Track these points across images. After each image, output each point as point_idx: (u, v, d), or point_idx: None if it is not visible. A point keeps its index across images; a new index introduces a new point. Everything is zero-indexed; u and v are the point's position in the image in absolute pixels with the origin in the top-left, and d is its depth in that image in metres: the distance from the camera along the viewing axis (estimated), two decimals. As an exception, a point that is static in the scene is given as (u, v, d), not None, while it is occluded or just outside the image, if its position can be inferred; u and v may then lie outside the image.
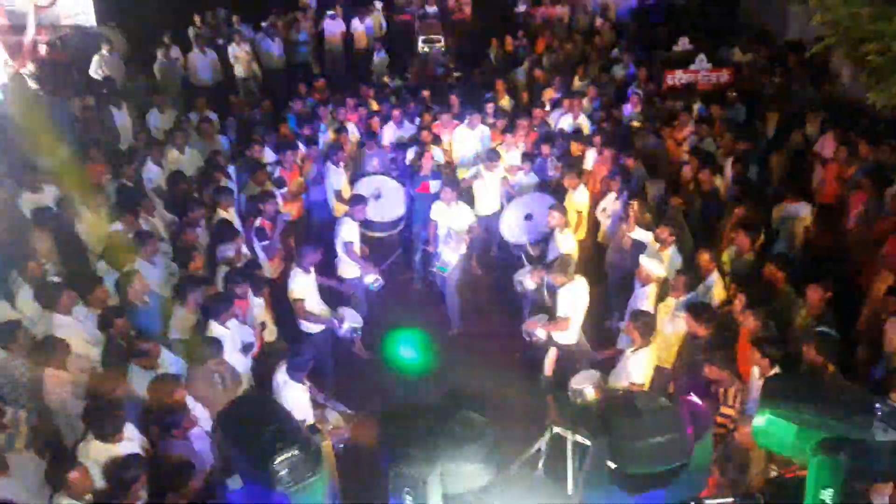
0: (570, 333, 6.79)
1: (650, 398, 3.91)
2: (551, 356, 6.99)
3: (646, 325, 5.89)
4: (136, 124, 10.31)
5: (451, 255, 7.80)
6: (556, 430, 4.25)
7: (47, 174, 8.11)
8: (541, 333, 6.86)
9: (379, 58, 14.40)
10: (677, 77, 11.99)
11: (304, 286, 6.85)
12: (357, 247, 7.76)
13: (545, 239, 7.97)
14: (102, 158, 8.56)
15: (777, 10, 13.73)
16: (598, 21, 15.61)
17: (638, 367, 5.84)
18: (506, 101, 11.49)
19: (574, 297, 6.70)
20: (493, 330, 8.27)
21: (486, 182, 8.93)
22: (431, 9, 16.34)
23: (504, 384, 7.23)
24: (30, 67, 11.25)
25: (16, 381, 5.44)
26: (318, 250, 7.03)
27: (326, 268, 7.72)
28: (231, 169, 8.89)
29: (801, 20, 11.60)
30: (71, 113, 10.47)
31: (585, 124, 10.31)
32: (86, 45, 13.16)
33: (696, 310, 5.97)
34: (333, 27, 15.19)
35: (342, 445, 5.62)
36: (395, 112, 10.44)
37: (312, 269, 6.97)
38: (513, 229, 8.63)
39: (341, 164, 9.11)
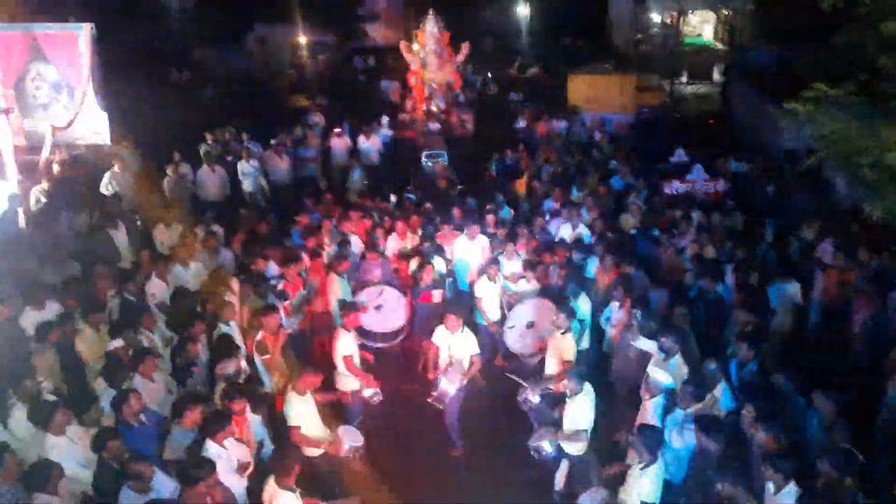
0: (580, 444, 6.63)
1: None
2: (563, 469, 6.75)
3: (653, 441, 5.70)
4: (137, 242, 10.43)
5: (449, 386, 7.53)
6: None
7: (51, 290, 8.16)
8: (548, 447, 6.70)
9: (357, 176, 14.50)
10: (675, 187, 12.25)
11: (300, 411, 6.64)
12: (356, 359, 7.69)
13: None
14: (107, 275, 8.64)
15: (770, 121, 14.18)
16: (597, 135, 16.11)
17: (647, 485, 5.61)
18: (506, 213, 11.68)
19: (584, 408, 6.59)
20: (499, 444, 8.00)
21: (487, 291, 8.94)
22: (434, 125, 16.95)
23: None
24: (43, 185, 11.58)
25: (2, 508, 5.27)
26: (317, 375, 6.86)
27: (327, 380, 7.62)
28: (234, 282, 8.94)
29: (794, 132, 11.96)
30: (77, 229, 10.68)
31: (585, 233, 10.43)
32: (99, 164, 13.59)
33: (705, 423, 5.81)
34: (340, 143, 15.72)
35: None
36: (399, 224, 10.61)
37: (309, 393, 6.79)
38: (515, 338, 8.58)
39: (344, 275, 9.18)
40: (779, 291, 8.36)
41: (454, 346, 7.75)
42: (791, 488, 5.17)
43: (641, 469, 5.68)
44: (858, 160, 7.44)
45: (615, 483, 6.01)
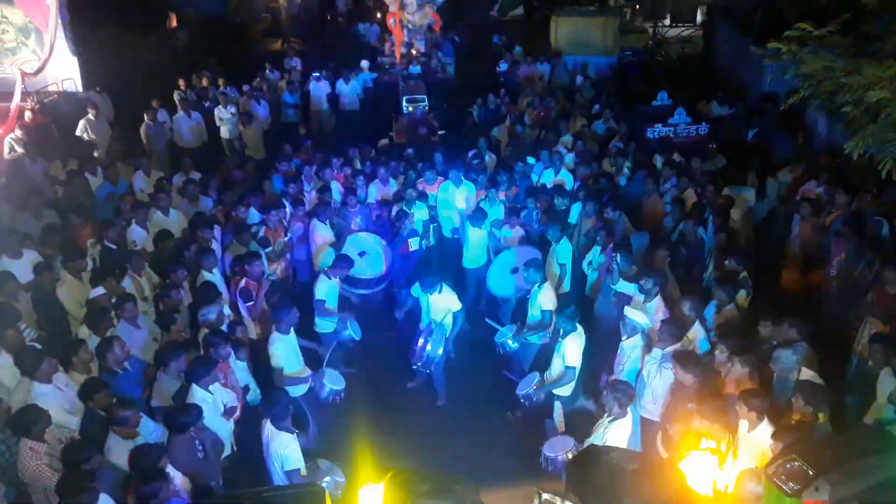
0: (570, 385, 6.79)
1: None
2: (559, 411, 6.89)
3: (624, 395, 5.75)
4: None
5: (435, 349, 7.51)
6: (545, 496, 4.14)
7: (27, 239, 8.06)
8: (537, 394, 6.83)
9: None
10: (657, 131, 12.21)
11: (283, 350, 6.72)
12: (330, 303, 7.76)
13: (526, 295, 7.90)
14: (85, 223, 8.54)
15: (752, 64, 14.09)
16: (578, 78, 15.95)
17: (616, 437, 5.70)
18: (488, 159, 11.61)
19: (578, 346, 6.74)
20: (485, 387, 8.10)
21: (472, 236, 8.95)
22: (415, 69, 16.67)
23: (494, 446, 7.14)
24: (16, 133, 11.32)
25: (-10, 453, 5.31)
26: (294, 310, 6.92)
27: (308, 327, 7.71)
28: (216, 229, 8.87)
29: (776, 73, 11.91)
30: (53, 177, 10.50)
31: (568, 178, 10.41)
32: (72, 110, 13.29)
33: (684, 358, 5.93)
34: (319, 89, 15.46)
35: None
36: (380, 170, 10.51)
37: (292, 331, 6.87)
38: (498, 283, 8.65)
39: (325, 223, 9.13)
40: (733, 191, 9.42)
41: (434, 304, 7.72)
42: (764, 426, 5.30)
43: (610, 422, 5.77)
44: (841, 99, 7.44)
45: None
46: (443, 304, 7.69)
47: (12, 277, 7.22)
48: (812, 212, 8.50)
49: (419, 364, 7.60)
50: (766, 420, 5.31)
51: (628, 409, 5.79)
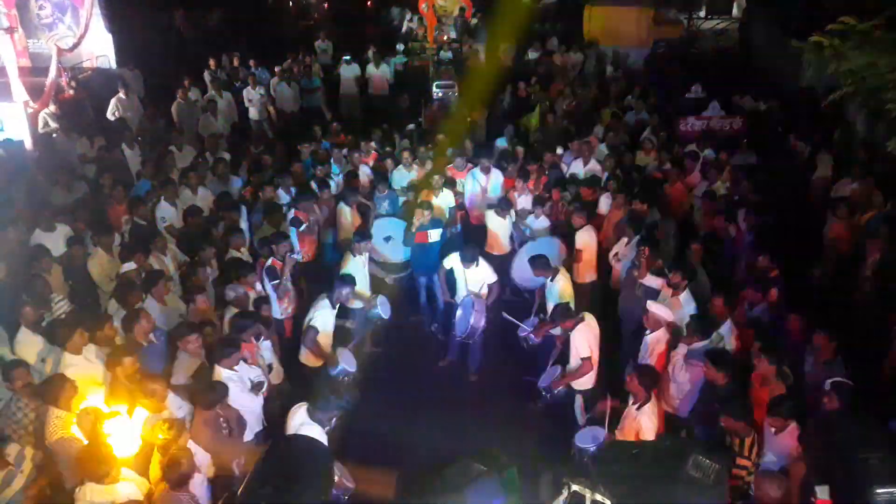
0: (589, 377, 6.71)
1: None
2: (580, 404, 6.83)
3: (649, 379, 5.74)
4: (150, 164, 10.36)
5: (479, 320, 7.55)
6: (575, 487, 4.12)
7: (61, 213, 8.16)
8: (557, 390, 6.78)
9: None
10: (690, 123, 12.04)
11: (325, 320, 6.88)
12: (363, 282, 7.81)
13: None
14: (123, 198, 8.65)
15: (791, 58, 13.80)
16: (611, 68, 15.75)
17: (646, 423, 5.64)
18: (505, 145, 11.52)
19: (586, 336, 6.63)
20: (508, 378, 8.04)
21: (497, 225, 8.91)
22: (446, 55, 16.59)
23: (521, 436, 7.10)
24: (50, 108, 11.45)
25: (19, 421, 5.39)
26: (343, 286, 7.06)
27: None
28: (242, 209, 8.90)
29: (815, 68, 11.65)
30: (82, 154, 10.61)
31: (598, 169, 10.30)
32: (106, 87, 13.42)
33: (717, 357, 5.84)
34: (349, 72, 15.43)
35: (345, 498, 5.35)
36: (405, 154, 10.45)
37: (338, 306, 7.01)
38: (522, 273, 8.58)
39: (352, 206, 9.13)
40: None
41: (470, 277, 7.77)
42: (791, 428, 5.21)
43: (637, 409, 5.74)
44: (884, 96, 7.24)
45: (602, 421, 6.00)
46: (479, 276, 7.79)
47: (46, 251, 7.32)
48: (848, 212, 8.31)
49: (463, 336, 7.66)
50: (793, 424, 5.22)
51: (654, 396, 5.75)
